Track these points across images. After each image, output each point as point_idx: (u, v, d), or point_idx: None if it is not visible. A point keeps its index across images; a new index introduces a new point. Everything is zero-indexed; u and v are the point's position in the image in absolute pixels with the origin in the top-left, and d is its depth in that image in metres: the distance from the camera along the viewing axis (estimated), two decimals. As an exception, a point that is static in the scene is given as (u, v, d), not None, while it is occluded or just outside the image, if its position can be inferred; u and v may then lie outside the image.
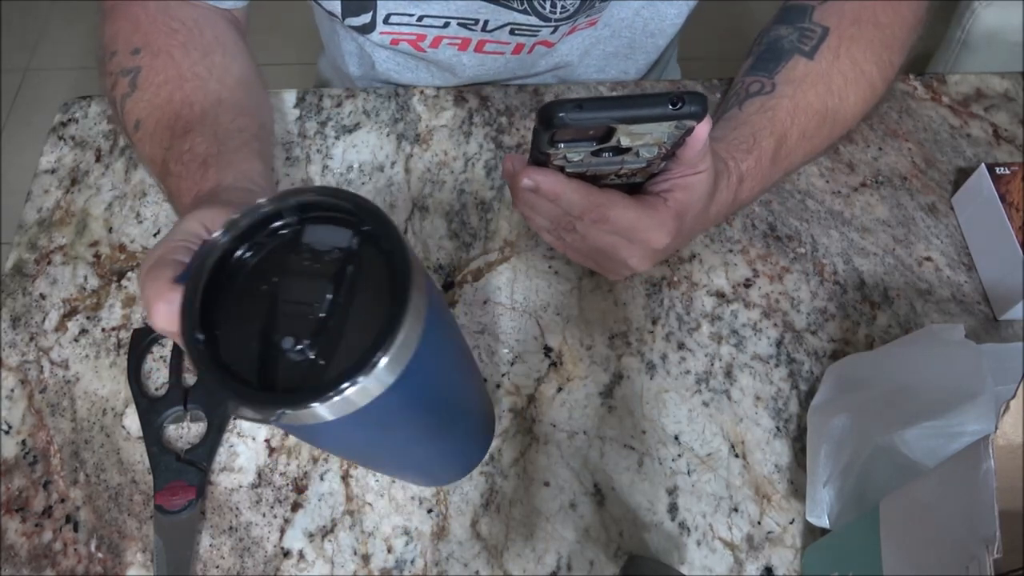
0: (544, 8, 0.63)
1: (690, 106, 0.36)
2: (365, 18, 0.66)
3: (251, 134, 0.54)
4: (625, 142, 0.39)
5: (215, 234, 0.33)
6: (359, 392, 0.30)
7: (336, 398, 0.30)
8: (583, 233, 0.47)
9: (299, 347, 0.31)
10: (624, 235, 0.46)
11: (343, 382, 0.30)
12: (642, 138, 0.38)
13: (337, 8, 0.66)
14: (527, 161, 0.43)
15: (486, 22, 0.65)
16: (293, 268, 0.33)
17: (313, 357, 0.31)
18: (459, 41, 0.68)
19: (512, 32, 0.66)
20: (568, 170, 0.42)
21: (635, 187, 0.47)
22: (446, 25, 0.66)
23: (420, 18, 0.66)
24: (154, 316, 0.37)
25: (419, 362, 0.32)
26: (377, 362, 0.30)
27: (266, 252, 0.34)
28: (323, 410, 0.31)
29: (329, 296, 0.32)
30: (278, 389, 0.31)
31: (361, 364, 0.30)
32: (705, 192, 0.47)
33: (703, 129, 0.40)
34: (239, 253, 0.34)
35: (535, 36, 0.67)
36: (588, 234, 0.47)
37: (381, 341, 0.30)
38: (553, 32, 0.67)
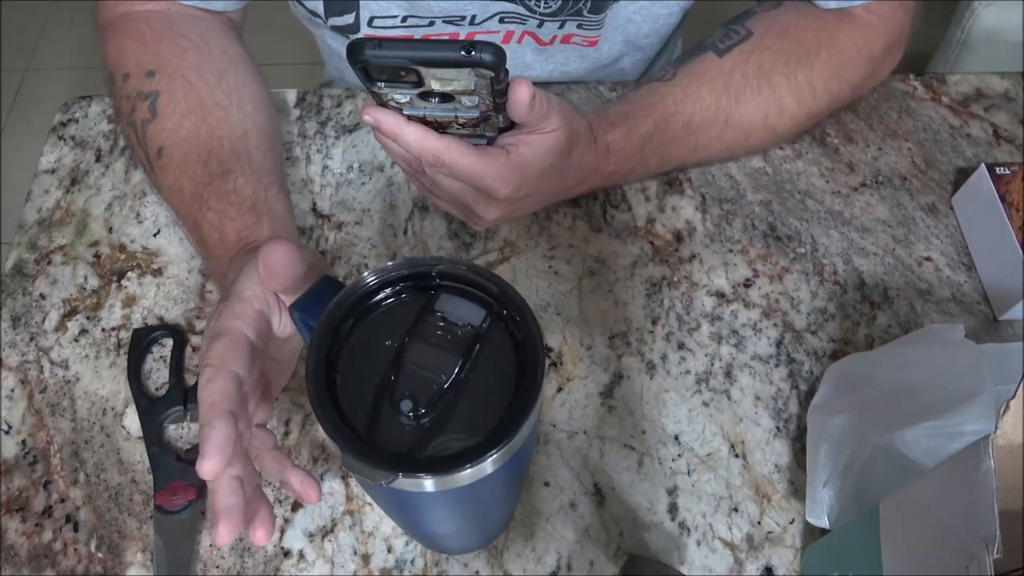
0: None
1: (482, 54, 0.36)
2: (348, 18, 0.66)
3: (279, 173, 0.56)
4: (436, 86, 0.39)
5: (357, 279, 0.34)
6: (474, 472, 0.31)
7: (465, 471, 0.30)
8: (432, 178, 0.49)
9: (415, 413, 0.31)
10: (468, 183, 0.48)
11: (469, 460, 0.30)
12: (451, 84, 0.39)
13: (320, 8, 0.65)
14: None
15: (474, 16, 0.65)
16: (426, 335, 0.33)
17: (421, 424, 0.31)
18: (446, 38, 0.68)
19: (501, 20, 0.66)
20: (406, 112, 0.43)
21: (492, 143, 0.48)
22: (431, 24, 0.66)
23: (404, 19, 0.65)
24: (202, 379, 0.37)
25: (524, 446, 0.33)
26: (505, 447, 0.30)
27: (396, 307, 0.34)
28: (434, 482, 0.31)
29: (456, 370, 0.32)
30: (378, 447, 0.31)
31: (491, 446, 0.30)
32: (554, 151, 0.49)
33: (521, 89, 0.42)
34: (367, 302, 0.34)
35: (523, 25, 0.67)
36: (436, 179, 0.49)
37: (515, 428, 0.31)
38: (540, 26, 0.67)
